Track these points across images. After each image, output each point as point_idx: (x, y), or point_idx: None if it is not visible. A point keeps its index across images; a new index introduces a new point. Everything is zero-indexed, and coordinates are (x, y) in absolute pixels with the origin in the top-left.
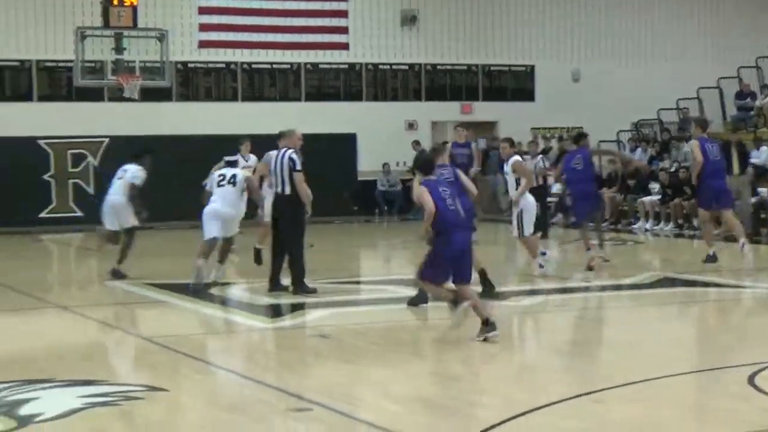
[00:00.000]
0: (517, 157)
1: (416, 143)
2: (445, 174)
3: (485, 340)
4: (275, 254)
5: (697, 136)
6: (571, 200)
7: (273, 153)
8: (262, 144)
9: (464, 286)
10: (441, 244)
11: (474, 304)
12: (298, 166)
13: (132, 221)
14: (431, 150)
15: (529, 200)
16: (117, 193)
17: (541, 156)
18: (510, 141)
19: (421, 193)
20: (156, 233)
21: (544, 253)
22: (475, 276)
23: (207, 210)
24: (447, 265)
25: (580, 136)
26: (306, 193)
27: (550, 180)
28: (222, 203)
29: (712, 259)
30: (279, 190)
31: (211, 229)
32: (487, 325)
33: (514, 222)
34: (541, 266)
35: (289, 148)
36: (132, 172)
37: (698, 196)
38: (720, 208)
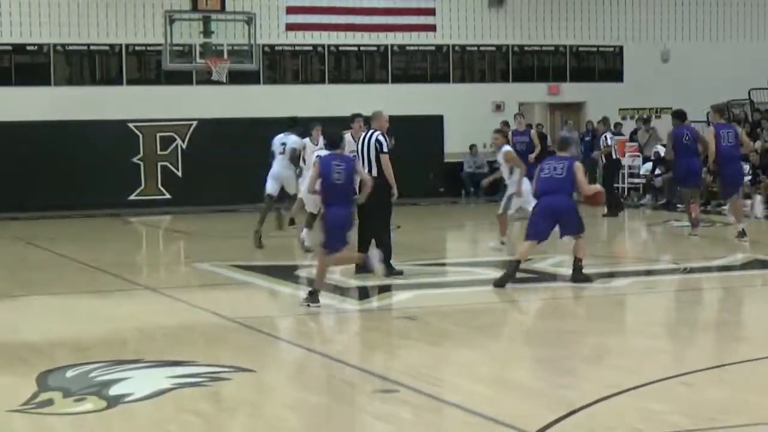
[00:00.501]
0: (508, 147)
1: (505, 124)
2: (557, 168)
3: (308, 306)
4: (361, 236)
5: (714, 121)
6: (675, 175)
7: (347, 135)
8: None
9: (331, 254)
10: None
11: (322, 270)
12: (385, 148)
13: (296, 189)
14: (562, 141)
15: (524, 187)
16: (286, 166)
17: (609, 133)
18: (502, 132)
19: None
20: (242, 216)
21: (503, 243)
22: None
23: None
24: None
25: (681, 114)
26: (391, 174)
27: (629, 159)
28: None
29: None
30: (368, 170)
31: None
32: (312, 295)
33: (503, 201)
34: (503, 243)
35: (377, 130)
36: (293, 141)
37: (720, 186)
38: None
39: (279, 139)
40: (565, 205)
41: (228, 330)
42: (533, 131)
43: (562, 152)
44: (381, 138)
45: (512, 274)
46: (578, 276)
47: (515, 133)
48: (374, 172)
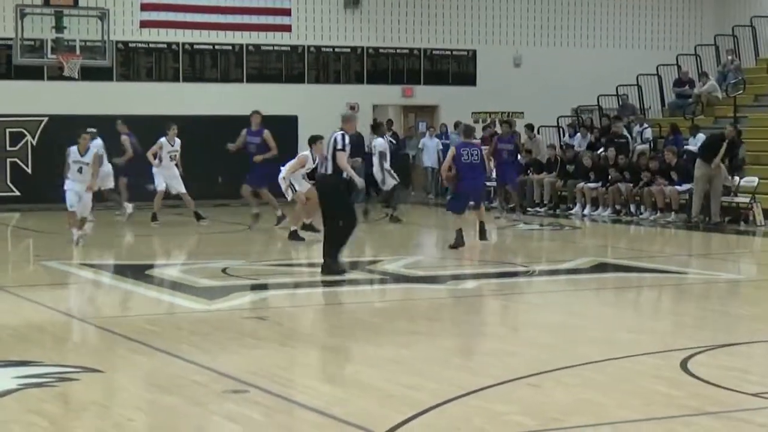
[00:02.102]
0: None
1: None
2: (474, 155)
3: None
4: (330, 237)
5: (460, 142)
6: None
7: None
8: (203, 124)
9: None
10: None
11: None
12: (339, 146)
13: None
14: (466, 129)
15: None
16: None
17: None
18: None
19: None
20: (93, 213)
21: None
22: None
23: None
24: None
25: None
26: (347, 169)
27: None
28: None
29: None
30: (324, 170)
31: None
32: None
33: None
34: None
35: (342, 131)
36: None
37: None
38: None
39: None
40: (482, 184)
41: (77, 330)
42: (266, 132)
43: (468, 138)
44: (338, 137)
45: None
46: (485, 236)
47: (249, 132)
48: (329, 170)
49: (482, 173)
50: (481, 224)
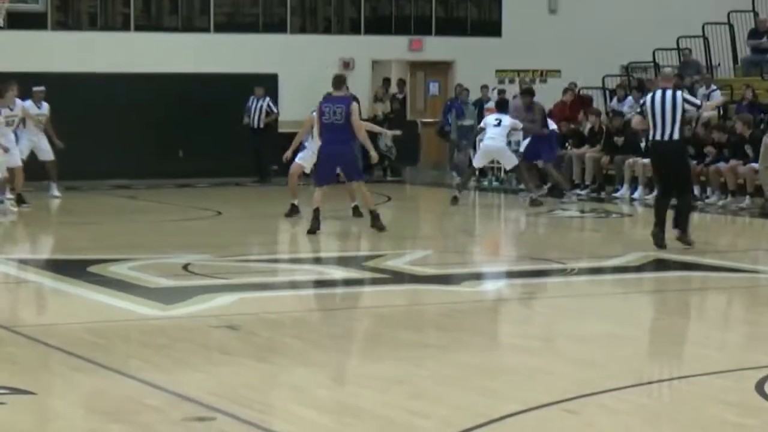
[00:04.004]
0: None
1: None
2: (336, 113)
3: None
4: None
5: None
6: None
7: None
8: (159, 84)
9: None
10: None
11: None
12: (698, 102)
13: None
14: (336, 79)
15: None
16: (498, 138)
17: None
18: None
19: None
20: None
21: None
22: None
23: None
24: None
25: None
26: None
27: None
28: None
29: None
30: (666, 136)
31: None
32: None
33: None
34: None
35: (677, 89)
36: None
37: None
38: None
39: None
40: (347, 151)
41: (3, 341)
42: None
43: (338, 91)
44: (688, 96)
45: (317, 224)
46: (377, 223)
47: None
48: (675, 136)
49: (347, 137)
50: (355, 207)
